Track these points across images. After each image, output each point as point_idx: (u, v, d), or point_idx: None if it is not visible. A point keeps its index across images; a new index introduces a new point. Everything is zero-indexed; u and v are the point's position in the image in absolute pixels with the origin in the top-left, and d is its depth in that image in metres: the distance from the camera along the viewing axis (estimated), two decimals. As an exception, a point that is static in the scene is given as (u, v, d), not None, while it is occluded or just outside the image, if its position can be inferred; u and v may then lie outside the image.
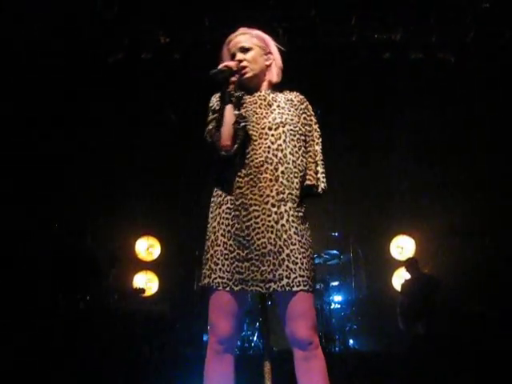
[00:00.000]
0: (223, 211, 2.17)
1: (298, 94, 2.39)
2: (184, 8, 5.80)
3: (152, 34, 6.11)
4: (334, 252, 6.18)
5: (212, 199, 2.25)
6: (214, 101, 2.29)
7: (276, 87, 2.38)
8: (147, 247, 7.16)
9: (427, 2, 5.79)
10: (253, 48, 2.31)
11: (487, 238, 6.31)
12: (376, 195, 6.87)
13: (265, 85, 2.35)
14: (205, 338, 5.81)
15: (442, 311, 5.77)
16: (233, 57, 2.30)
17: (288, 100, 2.33)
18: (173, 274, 6.75)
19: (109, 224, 6.44)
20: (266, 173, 2.15)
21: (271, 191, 2.14)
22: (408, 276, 6.36)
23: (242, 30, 2.37)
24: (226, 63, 2.20)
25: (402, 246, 7.17)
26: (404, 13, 5.90)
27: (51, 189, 6.07)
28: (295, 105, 2.33)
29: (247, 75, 2.26)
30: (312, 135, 2.33)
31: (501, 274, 5.88)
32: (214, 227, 2.18)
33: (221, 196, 2.20)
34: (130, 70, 6.24)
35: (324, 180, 2.31)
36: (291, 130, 2.24)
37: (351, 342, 6.06)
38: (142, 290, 6.04)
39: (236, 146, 2.13)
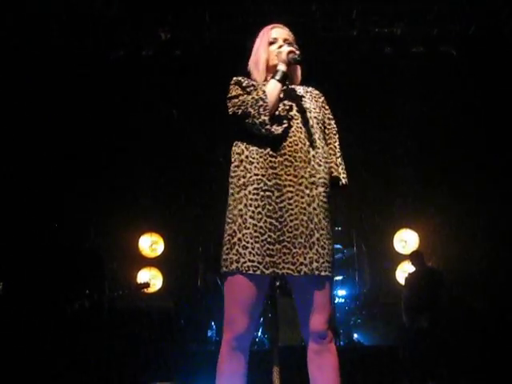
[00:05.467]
0: (250, 192, 2.07)
1: (313, 88, 2.39)
2: (184, 4, 5.79)
3: (153, 30, 6.10)
4: (338, 246, 6.16)
5: (231, 180, 2.16)
6: (243, 79, 2.25)
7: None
8: (151, 244, 7.16)
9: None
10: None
11: (491, 232, 6.30)
12: (379, 189, 6.85)
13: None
14: (209, 334, 5.83)
15: (446, 305, 5.77)
16: (274, 42, 2.28)
17: (307, 92, 2.34)
18: (177, 271, 6.76)
19: (112, 221, 6.45)
20: (301, 152, 2.12)
21: (305, 172, 2.10)
22: (412, 269, 6.36)
23: (280, 24, 2.36)
24: (292, 48, 2.19)
25: (406, 240, 7.16)
26: (405, 6, 5.88)
27: (53, 186, 6.07)
28: (314, 97, 2.34)
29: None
30: (331, 129, 2.34)
31: (505, 269, 5.87)
32: (241, 210, 2.07)
33: (244, 177, 2.10)
34: (131, 67, 6.23)
35: (345, 175, 2.34)
36: (315, 117, 2.24)
37: (355, 335, 6.06)
38: (147, 285, 5.92)
39: (282, 128, 2.11)
